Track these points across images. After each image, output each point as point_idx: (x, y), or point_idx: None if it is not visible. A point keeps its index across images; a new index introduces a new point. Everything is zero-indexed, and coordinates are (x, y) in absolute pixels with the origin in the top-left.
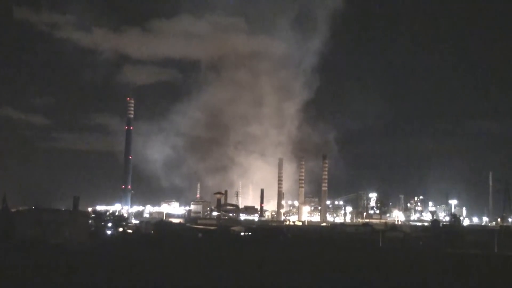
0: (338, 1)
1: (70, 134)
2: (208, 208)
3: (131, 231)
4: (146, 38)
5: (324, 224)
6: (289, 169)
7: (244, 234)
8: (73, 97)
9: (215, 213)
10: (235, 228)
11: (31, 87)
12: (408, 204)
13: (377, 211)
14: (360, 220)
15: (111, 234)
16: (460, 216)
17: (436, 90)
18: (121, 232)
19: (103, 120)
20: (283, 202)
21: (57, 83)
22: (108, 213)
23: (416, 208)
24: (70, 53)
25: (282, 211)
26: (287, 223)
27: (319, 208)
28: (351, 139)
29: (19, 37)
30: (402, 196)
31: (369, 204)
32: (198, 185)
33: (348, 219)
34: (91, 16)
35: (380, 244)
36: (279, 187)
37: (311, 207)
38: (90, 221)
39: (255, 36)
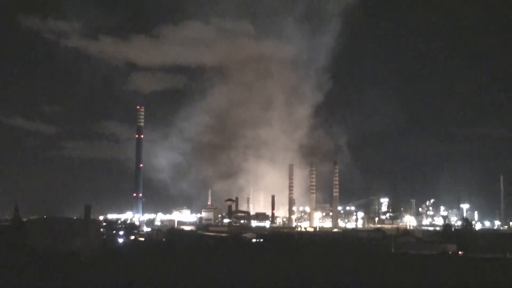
0: None
1: (79, 142)
2: (220, 215)
3: (143, 239)
4: (154, 45)
5: (336, 229)
6: (300, 175)
7: (256, 241)
8: (82, 106)
9: (226, 220)
10: (247, 235)
11: (39, 96)
12: (420, 209)
13: (389, 216)
14: (372, 225)
15: (123, 242)
16: (472, 220)
17: (447, 94)
18: (133, 240)
19: (112, 128)
20: (294, 208)
21: (65, 92)
22: (119, 221)
23: (428, 212)
24: (77, 61)
25: (294, 217)
26: (299, 229)
27: (331, 214)
28: (362, 144)
29: (25, 46)
30: (413, 201)
31: (381, 209)
32: (209, 192)
33: (360, 224)
34: (98, 23)
35: (392, 249)
36: (290, 193)
37: (322, 213)
38: (101, 230)
39: (264, 40)
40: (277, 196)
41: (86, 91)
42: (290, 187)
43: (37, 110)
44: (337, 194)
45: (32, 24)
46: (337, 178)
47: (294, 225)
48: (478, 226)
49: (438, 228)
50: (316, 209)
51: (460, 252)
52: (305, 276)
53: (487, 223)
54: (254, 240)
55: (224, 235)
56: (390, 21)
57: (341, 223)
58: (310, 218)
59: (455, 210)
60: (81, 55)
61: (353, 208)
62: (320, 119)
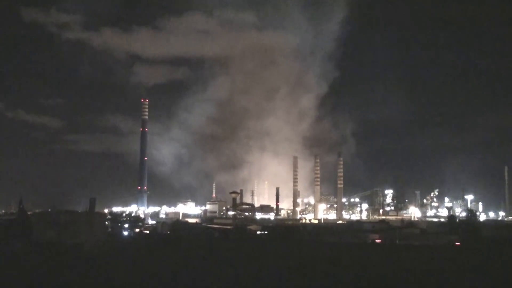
0: None
1: (83, 135)
2: (224, 208)
3: (147, 232)
4: (156, 37)
5: (340, 221)
6: (304, 167)
7: (261, 233)
8: (85, 98)
9: (231, 213)
10: (252, 227)
11: (43, 89)
12: (424, 200)
13: (393, 208)
14: (376, 217)
15: (128, 235)
16: (476, 211)
17: (452, 84)
18: (137, 232)
19: (116, 121)
20: (298, 200)
21: (68, 85)
22: (124, 214)
23: (432, 204)
24: (80, 53)
25: (298, 209)
26: (303, 221)
27: (335, 205)
28: (367, 135)
29: (28, 39)
30: (418, 192)
31: (385, 200)
32: (214, 184)
33: (364, 216)
34: (100, 15)
35: (397, 241)
36: (295, 185)
37: (327, 204)
38: (106, 222)
39: (267, 30)
40: (281, 188)
41: (89, 83)
42: (295, 179)
43: (40, 103)
44: (342, 185)
45: (34, 16)
46: (342, 170)
47: (298, 217)
48: (482, 217)
49: (442, 219)
50: (320, 201)
51: (378, 240)
52: (309, 270)
53: (492, 214)
54: (258, 232)
55: (228, 227)
56: (397, 8)
57: (345, 215)
58: (314, 210)
59: (459, 201)
60: (84, 47)
61: (357, 199)
62: (325, 109)
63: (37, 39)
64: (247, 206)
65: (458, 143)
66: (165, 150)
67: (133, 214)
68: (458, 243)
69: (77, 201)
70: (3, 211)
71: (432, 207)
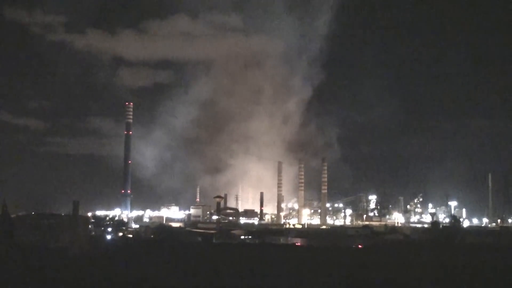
0: None
1: (66, 138)
2: (208, 212)
3: (131, 236)
4: (141, 40)
5: (324, 227)
6: (288, 171)
7: (244, 238)
8: (69, 101)
9: (215, 217)
10: (235, 232)
11: (26, 90)
12: (408, 206)
13: (377, 213)
14: (360, 222)
15: (111, 239)
16: (460, 217)
17: (437, 91)
18: (121, 236)
19: (100, 123)
20: (282, 205)
21: (52, 87)
22: (108, 217)
23: (416, 210)
24: (64, 55)
25: (282, 214)
26: (287, 226)
27: (319, 211)
28: (351, 141)
29: (11, 39)
30: (402, 198)
31: (369, 206)
32: (198, 188)
33: (348, 221)
34: (84, 17)
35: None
36: (279, 190)
37: (311, 210)
38: (90, 226)
39: (253, 33)
40: (265, 192)
41: (73, 86)
42: (279, 184)
43: (23, 105)
44: (326, 191)
45: (17, 17)
46: (326, 175)
47: (282, 222)
48: (466, 224)
49: (426, 225)
50: (304, 206)
51: (298, 244)
52: (293, 273)
53: (475, 221)
54: (242, 237)
55: (212, 231)
56: (384, 11)
57: (329, 220)
58: (298, 215)
59: (443, 207)
60: (68, 49)
61: (341, 205)
62: (310, 114)
63: (20, 40)
64: (231, 211)
65: (443, 149)
66: (149, 154)
67: (116, 218)
68: (361, 246)
69: (61, 204)
70: None
71: (415, 213)
